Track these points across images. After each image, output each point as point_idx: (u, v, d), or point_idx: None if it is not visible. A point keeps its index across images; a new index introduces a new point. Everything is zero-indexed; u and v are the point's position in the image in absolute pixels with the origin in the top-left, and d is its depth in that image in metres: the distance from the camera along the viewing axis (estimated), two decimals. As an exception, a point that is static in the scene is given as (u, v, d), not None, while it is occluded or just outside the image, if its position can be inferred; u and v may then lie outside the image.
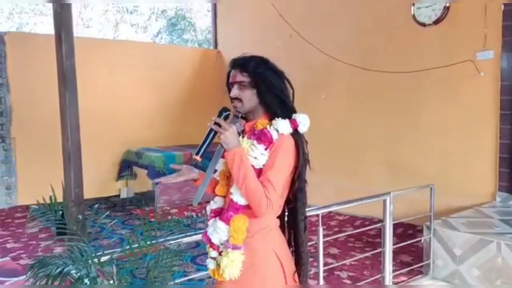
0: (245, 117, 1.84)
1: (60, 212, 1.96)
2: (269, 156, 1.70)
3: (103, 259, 1.86)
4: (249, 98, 1.75)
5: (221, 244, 1.76)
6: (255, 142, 1.71)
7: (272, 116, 1.76)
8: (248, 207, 1.70)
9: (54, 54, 5.12)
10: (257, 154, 1.69)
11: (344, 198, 5.27)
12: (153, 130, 7.01)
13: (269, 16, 6.72)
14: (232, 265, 1.69)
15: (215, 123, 1.69)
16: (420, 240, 4.06)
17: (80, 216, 1.96)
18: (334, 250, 4.53)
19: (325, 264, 4.08)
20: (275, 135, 1.71)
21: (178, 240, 2.05)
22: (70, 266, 1.58)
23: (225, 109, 1.77)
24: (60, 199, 2.12)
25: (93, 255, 1.75)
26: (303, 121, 1.75)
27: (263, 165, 1.70)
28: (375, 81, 5.61)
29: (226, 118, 1.75)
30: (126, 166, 6.69)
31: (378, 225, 3.62)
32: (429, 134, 5.16)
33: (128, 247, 1.96)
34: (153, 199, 6.17)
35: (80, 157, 2.11)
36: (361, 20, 5.79)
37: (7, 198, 5.92)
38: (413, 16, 5.11)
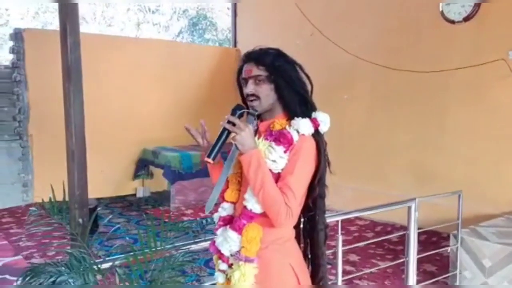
0: (260, 116, 1.67)
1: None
2: (289, 160, 1.53)
3: (104, 266, 1.73)
4: (267, 94, 1.58)
5: (232, 255, 1.60)
6: (273, 143, 1.54)
7: (290, 114, 1.59)
8: (263, 215, 1.54)
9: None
10: (276, 157, 1.53)
11: (364, 202, 5.08)
12: (170, 129, 6.90)
13: (289, 14, 6.55)
14: (244, 279, 1.53)
15: (229, 122, 1.52)
16: (446, 249, 3.83)
17: (81, 220, 1.83)
18: (353, 257, 4.33)
19: (344, 271, 3.92)
20: (295, 136, 1.54)
21: (184, 248, 1.90)
22: (65, 275, 1.46)
23: (239, 107, 1.60)
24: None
25: (92, 262, 1.61)
26: (324, 120, 1.60)
27: (282, 169, 1.53)
28: (400, 81, 5.38)
29: (240, 116, 1.58)
30: (143, 165, 6.61)
31: (402, 233, 3.41)
32: (456, 137, 4.91)
33: (131, 253, 1.83)
34: (169, 199, 6.07)
35: (85, 155, 1.99)
36: (386, 17, 5.57)
37: (24, 196, 5.90)
38: (442, 13, 4.88)
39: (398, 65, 5.33)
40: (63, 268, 1.52)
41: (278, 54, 1.61)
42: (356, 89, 5.96)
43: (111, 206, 6.34)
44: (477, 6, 4.61)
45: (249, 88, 1.59)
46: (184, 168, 5.85)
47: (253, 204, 1.54)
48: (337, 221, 2.75)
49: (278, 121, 1.59)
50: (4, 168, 5.93)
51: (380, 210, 3.26)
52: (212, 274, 3.54)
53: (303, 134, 1.54)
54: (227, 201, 1.69)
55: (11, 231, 5.12)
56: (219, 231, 1.65)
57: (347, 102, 6.01)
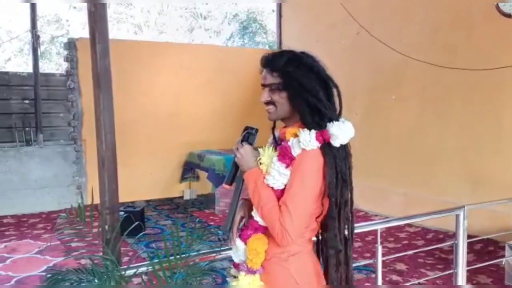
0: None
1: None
2: (290, 176, 1.45)
3: (127, 273, 1.74)
4: (282, 102, 1.51)
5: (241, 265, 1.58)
6: (275, 158, 1.48)
7: (305, 124, 1.49)
8: (267, 228, 1.50)
9: (120, 58, 5.18)
10: (275, 174, 1.46)
11: (414, 208, 4.86)
12: (216, 132, 6.99)
13: (334, 13, 6.42)
14: None
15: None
16: (501, 260, 3.56)
17: (106, 227, 1.85)
18: (401, 266, 4.13)
19: (390, 281, 3.75)
20: (296, 151, 1.44)
21: (209, 256, 1.87)
22: (86, 283, 1.47)
23: (246, 128, 1.59)
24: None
25: (115, 269, 1.62)
26: (337, 134, 1.43)
27: (285, 185, 1.46)
28: (452, 80, 5.10)
29: (248, 137, 1.57)
30: (189, 168, 6.74)
31: (450, 242, 3.20)
32: (514, 140, 4.58)
33: (157, 260, 1.82)
34: (214, 201, 6.13)
35: (115, 162, 2.01)
36: (436, 12, 5.31)
37: (78, 198, 6.18)
38: (497, 6, 4.57)
39: (450, 63, 5.06)
40: (85, 275, 1.54)
41: (292, 58, 1.52)
42: (405, 89, 5.71)
43: (159, 208, 6.49)
44: (537, -3, 4.28)
45: (264, 96, 1.54)
46: (228, 172, 5.87)
47: (258, 216, 1.52)
48: (376, 230, 2.61)
49: (291, 130, 1.51)
50: (60, 171, 6.25)
51: (424, 218, 3.08)
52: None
53: (304, 149, 1.44)
54: None
55: (66, 232, 5.36)
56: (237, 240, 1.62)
57: (395, 103, 5.78)
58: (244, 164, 1.52)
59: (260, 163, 1.52)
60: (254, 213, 1.53)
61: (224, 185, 1.60)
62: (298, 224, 1.43)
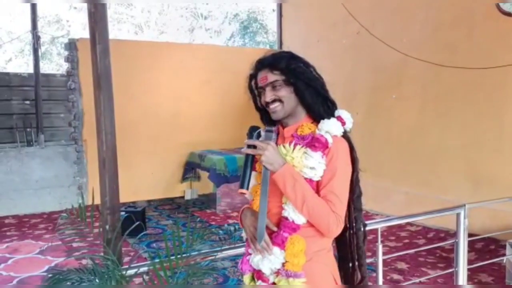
0: (280, 122, 1.59)
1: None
2: (327, 164, 1.47)
3: (128, 273, 1.74)
4: (288, 97, 1.52)
5: (272, 274, 1.51)
6: (309, 150, 1.47)
7: (315, 116, 1.53)
8: (306, 225, 1.47)
9: (121, 58, 5.17)
10: (315, 164, 1.46)
11: (416, 207, 4.86)
12: (217, 132, 7.00)
13: (335, 13, 6.41)
14: None
15: (249, 146, 1.47)
16: (502, 259, 3.56)
17: (107, 227, 1.85)
18: (402, 265, 4.13)
19: (391, 280, 3.75)
20: (329, 139, 1.48)
21: (211, 256, 1.88)
22: (87, 283, 1.47)
23: (253, 128, 1.55)
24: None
25: (116, 269, 1.62)
26: (348, 117, 1.55)
27: (321, 176, 1.47)
28: (453, 79, 5.09)
29: (258, 136, 1.53)
30: (190, 168, 6.74)
31: (451, 241, 3.20)
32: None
33: (158, 260, 1.82)
34: (215, 201, 6.13)
35: (116, 162, 2.01)
36: (437, 11, 5.30)
37: (79, 198, 6.18)
38: (497, 5, 4.57)
39: (451, 62, 5.05)
40: (86, 275, 1.54)
41: (291, 57, 1.56)
42: (406, 89, 5.71)
43: (160, 208, 6.50)
44: (537, -5, 4.28)
45: (268, 96, 1.53)
46: (229, 171, 5.89)
47: (294, 215, 1.46)
48: (377, 229, 2.61)
49: (306, 124, 1.53)
50: (61, 172, 6.26)
51: (424, 217, 3.08)
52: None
53: (335, 136, 1.49)
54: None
55: (67, 232, 5.37)
56: (252, 248, 1.54)
57: (395, 102, 5.78)
58: (275, 162, 1.45)
59: (292, 158, 1.48)
60: (286, 213, 1.48)
61: (241, 191, 1.49)
62: (345, 210, 1.49)
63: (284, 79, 1.51)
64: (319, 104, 1.53)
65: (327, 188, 1.44)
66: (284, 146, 1.52)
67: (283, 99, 1.52)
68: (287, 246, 1.46)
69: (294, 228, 1.47)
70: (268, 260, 1.48)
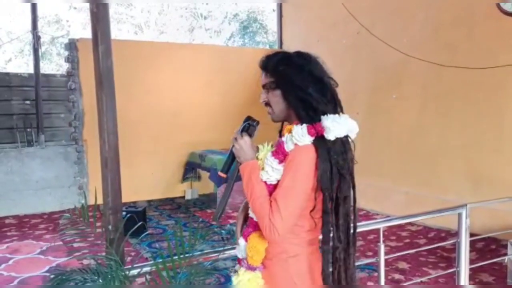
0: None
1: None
2: (283, 171, 1.45)
3: (131, 273, 1.74)
4: (276, 101, 1.53)
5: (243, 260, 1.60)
6: (269, 154, 1.51)
7: (300, 121, 1.49)
8: None
9: (122, 58, 5.17)
10: (269, 169, 1.48)
11: (416, 207, 4.86)
12: (217, 132, 6.99)
13: (335, 12, 6.42)
14: (241, 285, 1.54)
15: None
16: (503, 259, 3.56)
17: (110, 227, 1.86)
18: (403, 265, 4.13)
19: (392, 280, 3.75)
20: (290, 146, 1.45)
21: (214, 255, 1.88)
22: (90, 283, 1.47)
23: (247, 118, 1.60)
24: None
25: (120, 269, 1.62)
26: (330, 125, 1.41)
27: (278, 181, 1.47)
28: (453, 79, 5.10)
29: (248, 127, 1.56)
30: (191, 168, 6.75)
31: (452, 241, 3.20)
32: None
33: (160, 260, 1.82)
34: (216, 201, 6.13)
35: (118, 162, 2.01)
36: (437, 11, 5.31)
37: (80, 198, 6.18)
38: (498, 5, 4.57)
39: (451, 62, 5.05)
40: (90, 275, 1.54)
41: (283, 57, 1.54)
42: (406, 88, 5.71)
43: (160, 208, 6.50)
44: (538, -5, 4.28)
45: (261, 97, 1.58)
46: (230, 171, 5.88)
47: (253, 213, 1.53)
48: (378, 229, 2.61)
49: (288, 127, 1.52)
50: (62, 172, 6.25)
51: (425, 217, 3.08)
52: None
53: (296, 144, 1.44)
54: None
55: (68, 232, 5.36)
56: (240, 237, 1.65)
57: (396, 102, 5.78)
58: (242, 155, 1.52)
59: (258, 159, 1.54)
60: (250, 210, 1.55)
61: (219, 173, 1.61)
62: (287, 221, 1.40)
63: (272, 81, 1.53)
64: (300, 108, 1.48)
65: (273, 194, 1.44)
66: (263, 145, 1.58)
67: (270, 102, 1.55)
68: (248, 241, 1.54)
69: (255, 225, 1.54)
70: (238, 248, 1.61)
